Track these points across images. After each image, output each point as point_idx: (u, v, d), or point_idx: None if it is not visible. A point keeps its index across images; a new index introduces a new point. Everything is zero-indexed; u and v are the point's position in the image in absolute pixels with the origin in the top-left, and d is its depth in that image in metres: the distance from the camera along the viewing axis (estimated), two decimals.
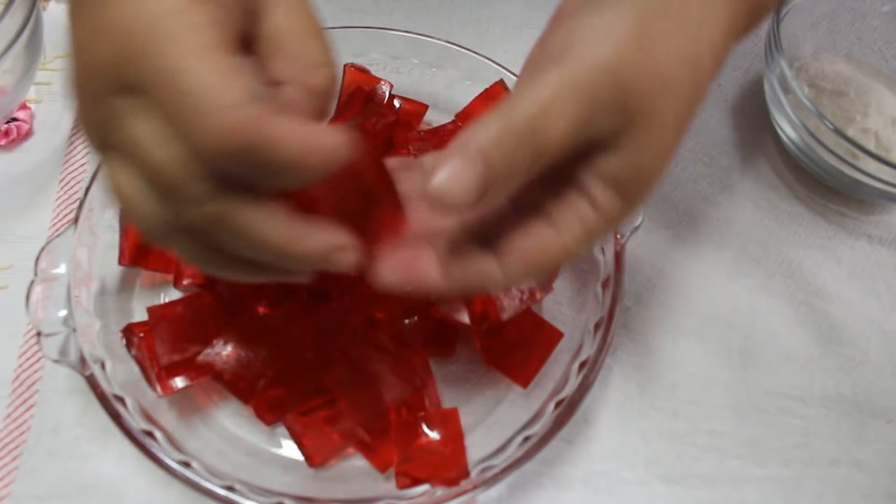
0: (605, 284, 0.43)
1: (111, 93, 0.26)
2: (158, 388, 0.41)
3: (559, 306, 0.47)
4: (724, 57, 0.32)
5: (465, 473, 0.38)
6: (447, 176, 0.26)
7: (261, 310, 0.43)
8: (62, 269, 0.41)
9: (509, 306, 0.41)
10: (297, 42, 0.29)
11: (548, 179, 0.30)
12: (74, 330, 0.40)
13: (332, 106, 0.30)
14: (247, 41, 0.29)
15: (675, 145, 0.30)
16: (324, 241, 0.28)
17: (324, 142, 0.25)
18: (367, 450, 0.41)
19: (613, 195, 0.29)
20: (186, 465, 0.37)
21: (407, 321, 0.43)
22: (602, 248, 0.45)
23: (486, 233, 0.31)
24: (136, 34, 0.25)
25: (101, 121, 0.27)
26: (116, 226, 0.45)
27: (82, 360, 0.39)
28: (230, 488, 0.37)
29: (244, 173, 0.25)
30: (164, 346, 0.40)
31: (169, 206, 0.27)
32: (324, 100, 0.30)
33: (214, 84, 0.24)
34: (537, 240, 0.30)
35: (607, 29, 0.28)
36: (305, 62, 0.29)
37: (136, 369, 0.41)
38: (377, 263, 0.30)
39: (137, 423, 0.38)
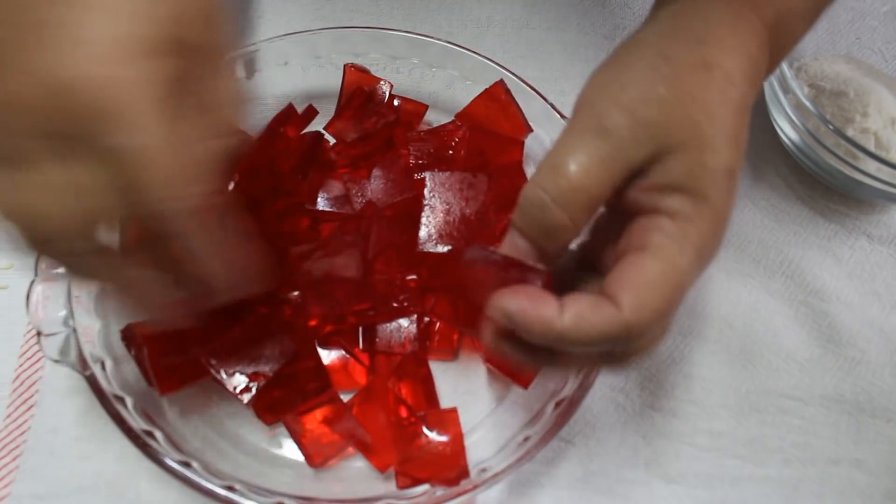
0: None
1: (28, 134, 0.26)
2: (157, 388, 0.41)
3: None
4: (748, 58, 0.32)
5: (465, 473, 0.38)
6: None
7: (262, 310, 0.43)
8: (62, 268, 0.41)
9: None
10: (217, 112, 0.30)
11: (618, 231, 0.31)
12: (74, 330, 0.40)
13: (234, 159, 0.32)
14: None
15: (724, 134, 0.30)
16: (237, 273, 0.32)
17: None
18: (367, 450, 0.41)
19: (684, 198, 0.29)
20: (186, 465, 0.37)
21: (407, 322, 0.43)
22: None
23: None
24: (95, 103, 0.25)
25: (7, 149, 0.27)
26: None
27: (82, 360, 0.39)
28: (230, 488, 0.37)
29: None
30: (163, 347, 0.40)
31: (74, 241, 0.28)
32: (233, 161, 0.32)
33: (179, 175, 0.27)
34: (636, 264, 0.29)
35: (617, 75, 0.31)
36: (220, 131, 0.31)
37: (136, 369, 0.41)
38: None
39: (137, 423, 0.38)
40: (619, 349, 0.30)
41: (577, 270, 0.33)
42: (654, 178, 0.29)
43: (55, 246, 0.28)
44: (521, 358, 0.31)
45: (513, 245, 0.30)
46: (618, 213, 0.31)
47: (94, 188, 0.26)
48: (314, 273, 0.42)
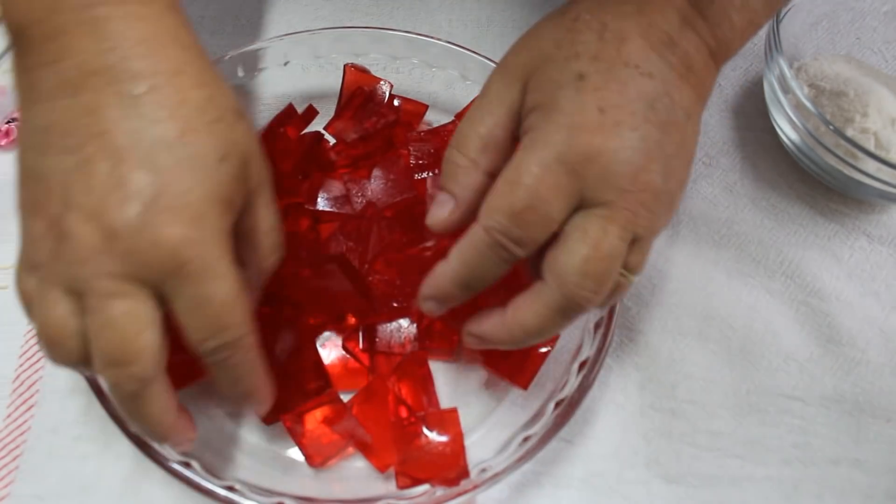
0: None
1: (115, 275, 0.30)
2: None
3: None
4: (648, 23, 0.33)
5: (465, 473, 0.38)
6: (428, 218, 0.36)
7: (262, 309, 0.43)
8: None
9: None
10: (262, 237, 0.35)
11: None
12: None
13: (268, 273, 0.37)
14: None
15: (573, 56, 0.32)
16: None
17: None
18: (367, 450, 0.41)
19: (535, 114, 0.32)
20: (186, 465, 0.37)
21: (407, 322, 0.43)
22: None
23: None
24: (202, 252, 0.30)
25: (87, 278, 0.30)
26: None
27: None
28: (230, 488, 0.37)
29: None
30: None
31: (114, 370, 0.31)
32: (267, 275, 0.37)
33: (238, 312, 0.32)
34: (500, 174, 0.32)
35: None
36: (263, 253, 0.36)
37: None
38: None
39: None
40: (522, 248, 0.32)
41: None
42: (522, 112, 0.33)
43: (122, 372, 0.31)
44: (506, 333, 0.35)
45: (438, 200, 0.34)
46: None
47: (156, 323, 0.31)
48: (308, 286, 0.42)
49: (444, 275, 0.34)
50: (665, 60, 0.32)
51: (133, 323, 0.30)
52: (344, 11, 0.60)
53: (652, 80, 0.31)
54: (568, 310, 0.33)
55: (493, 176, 0.33)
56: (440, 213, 0.34)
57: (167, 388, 0.33)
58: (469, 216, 0.33)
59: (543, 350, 0.43)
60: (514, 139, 0.33)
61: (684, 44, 0.33)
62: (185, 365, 0.40)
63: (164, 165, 0.29)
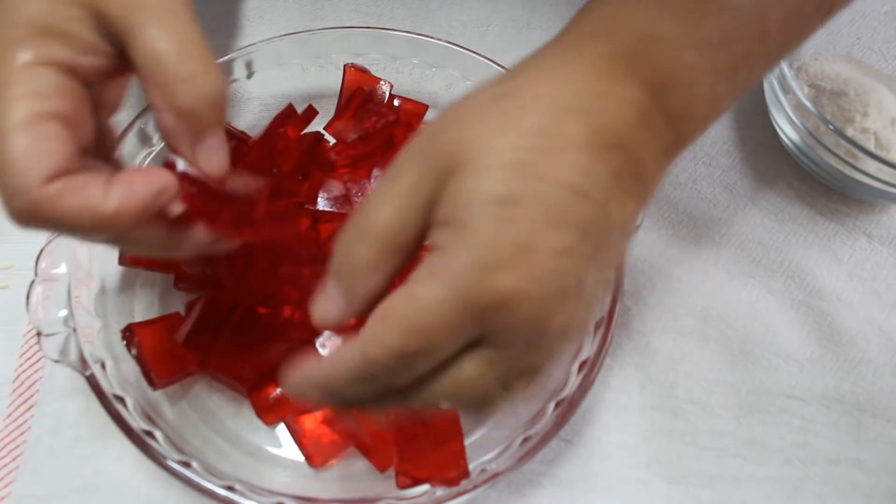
0: None
1: None
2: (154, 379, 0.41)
3: None
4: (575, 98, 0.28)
5: (465, 473, 0.38)
6: (315, 309, 0.30)
7: (261, 310, 0.43)
8: (62, 269, 0.41)
9: None
10: (156, 67, 0.29)
11: None
12: (75, 330, 0.40)
13: (217, 113, 0.30)
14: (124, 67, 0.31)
15: (500, 156, 0.27)
16: (193, 243, 0.32)
17: (122, 206, 0.28)
18: (367, 450, 0.41)
19: (448, 230, 0.27)
20: (186, 465, 0.37)
21: None
22: None
23: None
24: None
25: None
26: None
27: (82, 360, 0.39)
28: (230, 488, 0.37)
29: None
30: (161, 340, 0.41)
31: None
32: (194, 118, 0.30)
33: (21, 162, 0.27)
34: (381, 305, 0.27)
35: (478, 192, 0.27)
36: (167, 86, 0.29)
37: (136, 369, 0.41)
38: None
39: (138, 422, 0.38)
40: (399, 382, 0.28)
41: None
42: (434, 214, 0.27)
43: None
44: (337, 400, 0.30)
45: (321, 291, 0.30)
46: None
47: None
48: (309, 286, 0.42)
49: (308, 374, 0.29)
50: (611, 171, 0.27)
51: None
52: (344, 11, 0.60)
53: (588, 203, 0.26)
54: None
55: (392, 278, 0.29)
56: (330, 312, 0.29)
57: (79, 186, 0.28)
58: (361, 315, 0.29)
59: None
60: (422, 237, 0.28)
61: (637, 148, 0.28)
62: (181, 358, 0.41)
63: None
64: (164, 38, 0.29)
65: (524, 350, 0.27)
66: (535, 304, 0.26)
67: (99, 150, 0.32)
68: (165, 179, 0.30)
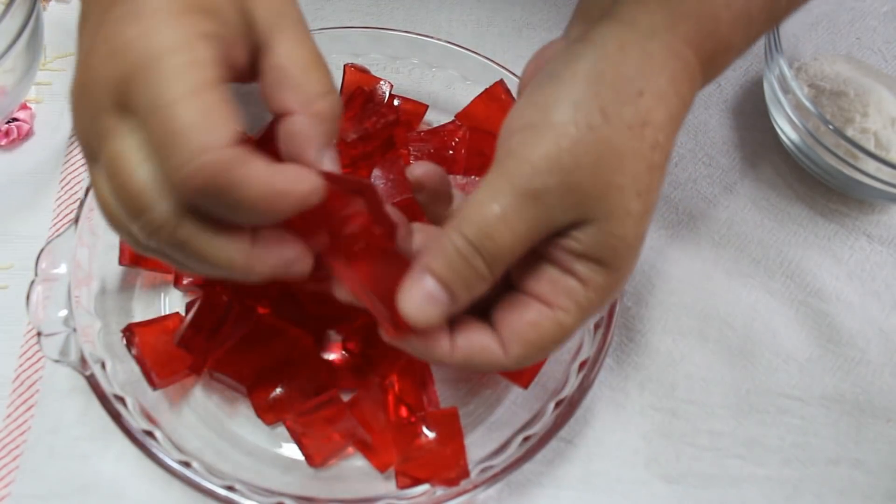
0: None
1: (105, 109, 0.27)
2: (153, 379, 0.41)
3: None
4: (681, 103, 0.31)
5: (465, 473, 0.38)
6: (412, 307, 0.30)
7: (260, 310, 0.43)
8: (62, 269, 0.41)
9: None
10: (302, 74, 0.30)
11: (532, 263, 0.31)
12: (75, 330, 0.40)
13: (336, 130, 0.31)
14: (251, 73, 0.31)
15: (646, 204, 0.31)
16: (275, 262, 0.30)
17: (288, 188, 0.27)
18: (367, 450, 0.41)
19: (596, 267, 0.30)
20: (186, 465, 0.37)
21: None
22: None
23: (484, 306, 0.32)
24: (139, 61, 0.26)
25: (93, 134, 0.28)
26: None
27: (82, 360, 0.39)
28: (230, 488, 0.37)
29: (212, 208, 0.27)
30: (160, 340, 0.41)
31: (137, 224, 0.28)
32: (329, 124, 0.31)
33: (198, 125, 0.26)
34: (533, 317, 0.31)
35: (551, 118, 0.29)
36: (310, 92, 0.30)
37: (136, 369, 0.41)
38: (390, 327, 0.32)
39: (138, 422, 0.38)
40: None
41: None
42: (573, 244, 0.30)
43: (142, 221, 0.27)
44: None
45: (421, 286, 0.30)
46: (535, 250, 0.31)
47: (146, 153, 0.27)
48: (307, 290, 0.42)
49: (442, 359, 0.32)
50: (675, 129, 0.32)
51: (124, 163, 0.27)
52: (344, 11, 0.60)
53: (664, 151, 0.31)
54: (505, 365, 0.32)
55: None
56: (433, 311, 0.30)
57: (206, 227, 0.28)
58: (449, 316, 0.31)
59: None
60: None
61: (689, 107, 0.32)
62: (180, 358, 0.41)
63: None
64: (307, 46, 0.31)
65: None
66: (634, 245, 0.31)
67: None
68: (318, 183, 0.28)
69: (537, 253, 0.31)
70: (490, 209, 0.29)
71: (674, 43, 0.31)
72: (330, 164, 0.31)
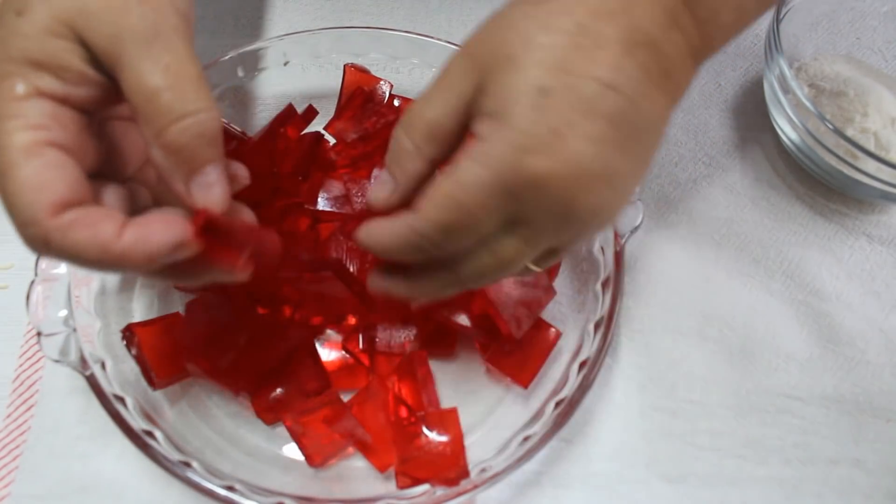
0: (604, 284, 0.43)
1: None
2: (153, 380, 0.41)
3: (559, 306, 0.47)
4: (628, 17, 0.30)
5: (465, 473, 0.38)
6: (370, 196, 0.33)
7: (261, 310, 0.43)
8: (62, 268, 0.41)
9: (522, 322, 0.41)
10: (145, 103, 0.28)
11: None
12: (75, 330, 0.40)
13: (212, 148, 0.29)
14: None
15: (540, 53, 0.29)
16: (155, 244, 0.29)
17: (142, 248, 0.28)
18: (367, 450, 0.41)
19: (489, 121, 0.29)
20: (186, 465, 0.37)
21: (405, 333, 0.43)
22: (602, 248, 0.45)
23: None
24: None
25: None
26: None
27: (82, 360, 0.39)
28: (230, 488, 0.37)
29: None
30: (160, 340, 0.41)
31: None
32: (187, 155, 0.29)
33: (25, 198, 0.27)
34: (432, 186, 0.30)
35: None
36: (157, 123, 0.28)
37: (136, 369, 0.41)
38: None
39: (138, 422, 0.38)
40: (444, 254, 0.31)
41: None
42: (475, 107, 0.30)
43: None
44: (403, 289, 0.33)
45: (381, 179, 0.32)
46: None
47: None
48: (308, 289, 0.42)
49: (367, 233, 0.32)
50: (641, 67, 0.30)
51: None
52: (344, 11, 0.60)
53: (617, 96, 0.29)
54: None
55: (435, 164, 0.32)
56: (381, 193, 0.32)
57: (95, 218, 0.28)
58: (407, 199, 0.32)
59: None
60: (462, 129, 0.31)
61: (667, 47, 0.30)
62: (178, 359, 0.41)
63: None
64: (151, 71, 0.28)
65: (555, 228, 0.30)
66: (564, 184, 0.29)
67: (112, 169, 0.32)
68: (184, 233, 0.28)
69: None
70: (417, 99, 0.32)
71: None
72: (206, 191, 0.29)
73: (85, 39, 0.28)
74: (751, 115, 0.57)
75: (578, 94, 0.29)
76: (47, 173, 0.27)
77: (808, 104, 0.49)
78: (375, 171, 0.47)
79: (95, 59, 0.29)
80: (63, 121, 0.29)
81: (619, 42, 0.29)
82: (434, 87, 0.31)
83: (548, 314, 0.46)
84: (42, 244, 0.28)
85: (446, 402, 0.44)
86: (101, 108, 0.30)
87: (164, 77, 0.28)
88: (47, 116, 0.28)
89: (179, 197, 0.30)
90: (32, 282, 0.40)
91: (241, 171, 0.33)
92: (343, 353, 0.44)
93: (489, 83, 0.30)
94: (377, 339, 0.43)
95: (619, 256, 0.44)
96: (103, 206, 0.30)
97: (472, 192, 0.29)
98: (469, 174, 0.29)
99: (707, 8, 0.32)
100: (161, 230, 0.28)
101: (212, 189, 0.29)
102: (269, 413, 0.42)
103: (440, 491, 0.38)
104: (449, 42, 0.50)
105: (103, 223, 0.28)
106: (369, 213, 0.33)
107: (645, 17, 0.30)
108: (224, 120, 0.41)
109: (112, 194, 0.31)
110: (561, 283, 0.47)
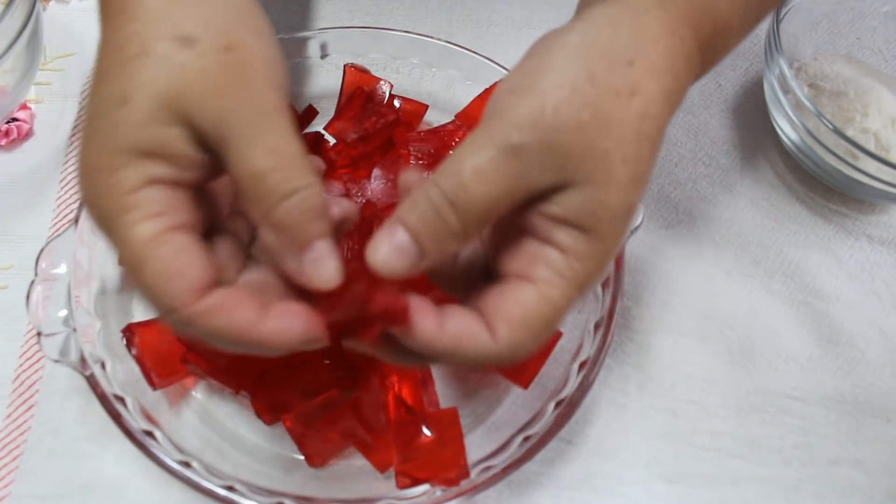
0: (604, 284, 0.43)
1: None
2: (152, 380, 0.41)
3: None
4: (674, 79, 0.30)
5: (465, 473, 0.38)
6: (379, 257, 0.28)
7: None
8: (62, 269, 0.41)
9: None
10: (253, 185, 0.28)
11: (511, 241, 0.30)
12: (75, 330, 0.40)
13: (320, 223, 0.29)
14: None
15: (633, 173, 0.29)
16: (290, 336, 0.29)
17: (273, 337, 0.28)
18: (367, 450, 0.41)
19: (577, 234, 0.28)
20: (186, 465, 0.37)
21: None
22: None
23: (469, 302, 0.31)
24: (99, 214, 0.28)
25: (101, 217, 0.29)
26: None
27: (82, 360, 0.39)
28: (230, 488, 0.37)
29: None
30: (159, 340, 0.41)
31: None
32: (297, 233, 0.28)
33: (165, 287, 0.27)
34: (516, 295, 0.29)
35: (538, 81, 0.29)
36: (264, 205, 0.28)
37: (136, 369, 0.41)
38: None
39: (138, 423, 0.38)
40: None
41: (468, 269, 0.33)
42: (553, 208, 0.29)
43: None
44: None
45: (391, 238, 0.28)
46: (514, 225, 0.30)
47: None
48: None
49: (430, 343, 0.29)
50: (670, 105, 0.30)
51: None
52: (344, 11, 0.60)
53: (655, 122, 0.30)
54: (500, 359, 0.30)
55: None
56: (401, 263, 0.28)
57: (228, 303, 0.28)
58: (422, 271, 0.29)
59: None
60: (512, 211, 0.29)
61: (686, 89, 0.32)
62: (178, 359, 0.41)
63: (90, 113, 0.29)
64: (258, 155, 0.28)
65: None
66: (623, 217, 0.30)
67: (213, 221, 0.32)
68: (316, 329, 0.29)
69: (519, 229, 0.30)
70: (467, 162, 0.28)
71: (668, 19, 0.31)
72: (317, 267, 0.29)
73: (190, 121, 0.28)
74: (751, 115, 0.57)
75: (640, 145, 0.29)
76: (178, 261, 0.28)
77: (808, 104, 0.49)
78: (375, 171, 0.47)
79: (200, 139, 0.29)
80: (177, 203, 0.29)
81: (662, 99, 0.30)
82: (498, 165, 0.28)
83: None
84: (185, 326, 0.28)
85: (446, 402, 0.44)
86: (207, 182, 0.31)
87: (269, 159, 0.28)
88: (164, 203, 0.28)
89: (291, 275, 0.29)
90: (32, 282, 0.40)
91: (317, 163, 0.34)
92: (343, 353, 0.44)
93: (579, 191, 0.28)
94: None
95: (618, 256, 0.44)
96: (237, 288, 0.30)
97: (565, 313, 0.29)
98: (564, 297, 0.29)
99: (713, 54, 0.34)
100: (300, 321, 0.28)
101: (323, 264, 0.29)
102: (269, 413, 0.42)
103: (440, 491, 0.38)
104: (449, 42, 0.50)
105: (241, 309, 0.28)
106: (377, 278, 0.29)
107: (681, 68, 0.31)
108: None
109: (224, 250, 0.31)
110: None
